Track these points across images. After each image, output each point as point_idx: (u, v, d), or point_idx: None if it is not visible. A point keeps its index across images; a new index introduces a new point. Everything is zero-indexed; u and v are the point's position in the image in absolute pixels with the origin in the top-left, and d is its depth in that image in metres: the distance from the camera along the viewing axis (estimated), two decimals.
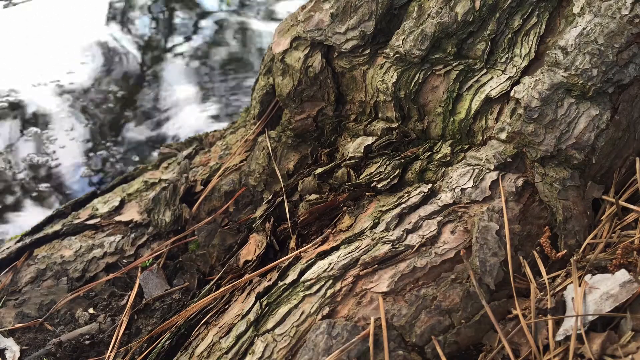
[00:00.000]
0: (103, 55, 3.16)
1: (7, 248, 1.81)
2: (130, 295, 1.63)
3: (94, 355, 1.50)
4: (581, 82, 1.28)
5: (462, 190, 1.30)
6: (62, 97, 2.89)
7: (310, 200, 1.53)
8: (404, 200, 1.34)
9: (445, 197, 1.30)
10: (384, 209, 1.35)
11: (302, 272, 1.29)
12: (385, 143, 1.52)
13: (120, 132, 2.73)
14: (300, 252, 1.39)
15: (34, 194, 2.43)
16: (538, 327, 1.12)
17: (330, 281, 1.22)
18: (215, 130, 2.13)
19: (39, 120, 2.76)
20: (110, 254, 1.75)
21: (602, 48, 1.28)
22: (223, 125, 2.67)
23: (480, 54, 1.44)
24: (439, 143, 1.45)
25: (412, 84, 1.49)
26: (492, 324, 1.16)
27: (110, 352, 1.47)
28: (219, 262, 1.66)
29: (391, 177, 1.42)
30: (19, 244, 1.80)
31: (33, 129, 2.70)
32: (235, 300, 1.39)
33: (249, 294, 1.36)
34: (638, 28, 1.28)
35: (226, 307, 1.38)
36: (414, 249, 1.23)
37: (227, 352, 1.23)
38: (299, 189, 1.62)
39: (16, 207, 2.39)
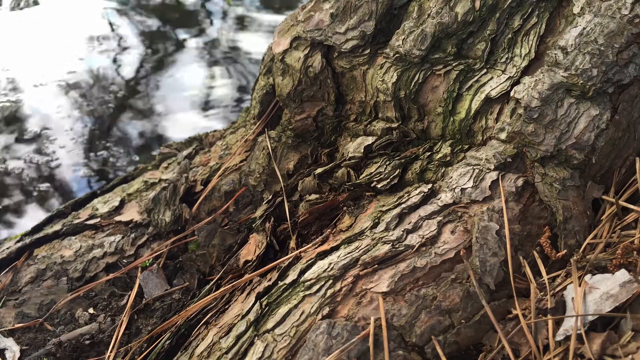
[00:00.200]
0: (103, 56, 3.16)
1: (7, 248, 1.81)
2: (130, 295, 1.63)
3: (94, 355, 1.50)
4: (581, 82, 1.28)
5: (462, 190, 1.30)
6: (63, 98, 2.89)
7: (310, 200, 1.52)
8: (404, 200, 1.34)
9: (445, 197, 1.30)
10: (384, 209, 1.35)
11: (302, 272, 1.29)
12: (385, 143, 1.52)
13: (121, 132, 2.73)
14: (300, 252, 1.39)
15: (34, 194, 2.43)
16: (538, 327, 1.12)
17: (330, 281, 1.22)
18: (215, 130, 2.13)
19: (39, 120, 2.76)
20: (110, 254, 1.75)
21: (602, 48, 1.28)
22: (223, 125, 2.67)
23: (480, 54, 1.44)
24: (439, 143, 1.45)
25: (412, 84, 1.49)
26: (492, 324, 1.16)
27: (110, 352, 1.47)
28: (219, 262, 1.66)
29: (391, 177, 1.42)
30: (19, 244, 1.80)
31: (33, 129, 2.70)
32: (235, 300, 1.39)
33: (249, 294, 1.36)
34: (638, 28, 1.27)
35: (226, 307, 1.38)
36: (414, 249, 1.23)
37: (227, 352, 1.23)
38: (299, 189, 1.62)
39: (16, 207, 2.39)
